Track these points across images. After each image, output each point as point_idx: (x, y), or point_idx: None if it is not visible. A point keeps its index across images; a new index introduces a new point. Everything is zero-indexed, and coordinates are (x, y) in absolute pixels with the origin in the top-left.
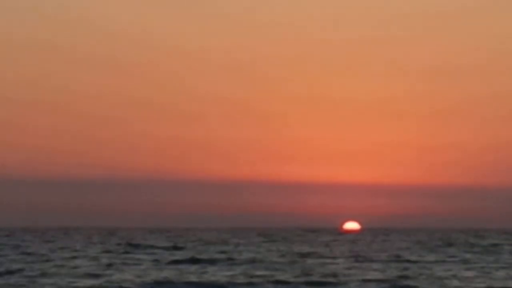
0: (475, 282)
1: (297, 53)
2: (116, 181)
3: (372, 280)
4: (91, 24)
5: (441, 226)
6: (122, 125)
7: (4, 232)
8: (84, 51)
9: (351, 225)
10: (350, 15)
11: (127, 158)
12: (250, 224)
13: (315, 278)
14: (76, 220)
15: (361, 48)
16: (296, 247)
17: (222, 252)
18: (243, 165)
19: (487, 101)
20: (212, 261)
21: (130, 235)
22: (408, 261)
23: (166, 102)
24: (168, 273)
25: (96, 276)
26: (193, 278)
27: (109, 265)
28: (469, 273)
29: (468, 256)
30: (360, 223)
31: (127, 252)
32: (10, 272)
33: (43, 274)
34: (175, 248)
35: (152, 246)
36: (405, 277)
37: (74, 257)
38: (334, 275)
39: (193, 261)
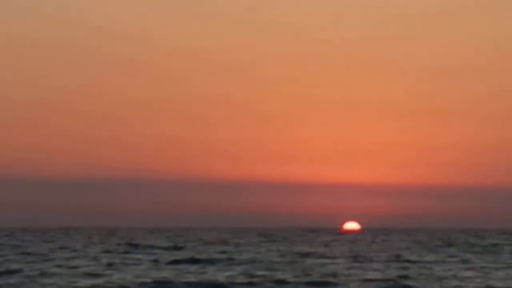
0: (475, 282)
1: (297, 53)
2: (116, 181)
3: (372, 280)
4: (91, 24)
5: (441, 226)
6: (122, 125)
7: (4, 232)
8: (84, 51)
9: (351, 225)
10: (350, 15)
11: (127, 158)
12: (250, 224)
13: (315, 278)
14: (76, 220)
15: (361, 48)
16: (296, 247)
17: (222, 252)
18: (243, 165)
19: (487, 101)
20: (212, 261)
21: (130, 235)
22: (408, 261)
23: (166, 102)
24: (168, 273)
25: (96, 276)
26: (193, 278)
27: (109, 265)
28: (469, 273)
29: (468, 256)
30: (360, 223)
31: (127, 252)
32: (10, 272)
33: (43, 274)
34: (175, 248)
35: (152, 246)
36: (405, 277)
37: (74, 257)
38: (334, 275)
39: (193, 261)
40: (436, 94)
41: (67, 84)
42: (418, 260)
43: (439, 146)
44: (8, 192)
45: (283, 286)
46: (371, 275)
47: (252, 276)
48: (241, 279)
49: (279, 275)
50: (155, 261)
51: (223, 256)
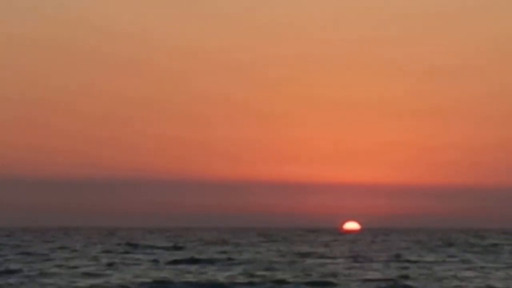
0: (475, 282)
1: (297, 53)
2: (116, 181)
3: (372, 280)
4: (91, 23)
5: (441, 226)
6: (122, 125)
7: (4, 232)
8: (84, 50)
9: (351, 225)
10: (350, 15)
11: (127, 158)
12: (250, 224)
13: (315, 278)
14: (76, 220)
15: (361, 48)
16: (296, 247)
17: (222, 252)
18: (243, 165)
19: (487, 101)
20: (212, 261)
21: (130, 235)
22: (408, 261)
23: (166, 102)
24: (167, 273)
25: (96, 276)
26: (192, 278)
27: (109, 265)
28: (469, 273)
29: (468, 256)
30: (360, 223)
31: (127, 252)
32: (10, 272)
33: (43, 274)
34: (175, 248)
35: (152, 246)
36: (405, 277)
37: (74, 257)
38: (334, 275)
39: (193, 261)
40: (436, 94)
41: (67, 84)
42: (418, 260)
43: (439, 146)
44: (8, 192)
45: (283, 286)
46: (371, 275)
47: (252, 276)
48: (241, 279)
49: (279, 275)
50: (155, 261)
51: (223, 256)
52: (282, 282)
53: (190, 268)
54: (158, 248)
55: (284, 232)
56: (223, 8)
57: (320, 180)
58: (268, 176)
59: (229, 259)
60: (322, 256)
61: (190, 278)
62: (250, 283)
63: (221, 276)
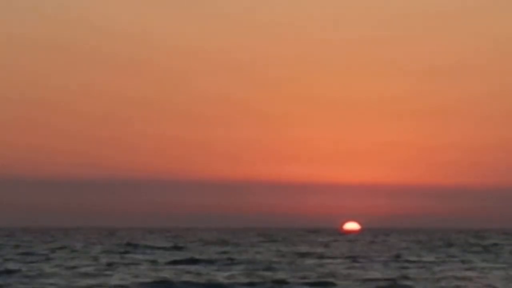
0: (475, 282)
1: (297, 53)
2: (116, 181)
3: (371, 280)
4: (91, 23)
5: (441, 226)
6: (122, 125)
7: (4, 232)
8: (84, 50)
9: (351, 225)
10: (350, 15)
11: (127, 158)
12: (250, 224)
13: (314, 278)
14: (76, 220)
15: (361, 48)
16: (296, 247)
17: (222, 252)
18: (243, 165)
19: (487, 101)
20: (212, 261)
21: (130, 235)
22: (408, 261)
23: (166, 102)
24: (167, 273)
25: (95, 276)
26: (192, 278)
27: (109, 265)
28: (469, 273)
29: (468, 256)
30: (360, 223)
31: (126, 252)
32: (9, 272)
33: (43, 274)
34: (175, 248)
35: (151, 246)
36: (405, 277)
37: (74, 257)
38: (334, 275)
39: (193, 261)
40: (436, 94)
41: (67, 84)
42: (418, 260)
43: (439, 146)
44: (8, 192)
45: (283, 286)
46: (371, 275)
47: (252, 276)
48: (241, 279)
49: (279, 275)
50: (155, 261)
51: (223, 256)
52: (282, 282)
53: (190, 268)
54: (158, 248)
55: (284, 232)
56: (223, 8)
57: (320, 180)
58: (268, 176)
59: (229, 259)
60: (322, 256)
61: (190, 278)
62: (250, 283)
63: (221, 276)
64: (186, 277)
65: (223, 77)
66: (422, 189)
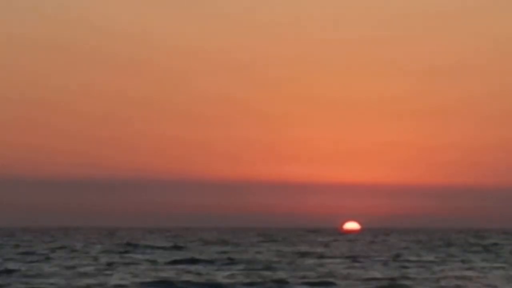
0: (475, 282)
1: (297, 53)
2: (116, 181)
3: (371, 280)
4: (91, 23)
5: (441, 226)
6: (122, 124)
7: (4, 232)
8: (84, 50)
9: (351, 225)
10: (350, 15)
11: (127, 158)
12: (250, 224)
13: (314, 278)
14: (76, 220)
15: (361, 48)
16: (296, 247)
17: (222, 252)
18: (243, 165)
19: (487, 101)
20: (212, 261)
21: (130, 235)
22: (408, 261)
23: (166, 102)
24: (167, 273)
25: (95, 275)
26: (192, 278)
27: (109, 265)
28: (469, 273)
29: (468, 256)
30: (360, 223)
31: (126, 252)
32: (9, 272)
33: (43, 274)
34: (175, 248)
35: (152, 246)
36: (405, 277)
37: (74, 257)
38: (334, 275)
39: (193, 261)
40: (436, 94)
41: (67, 84)
42: (418, 260)
43: (439, 146)
44: (8, 192)
45: (283, 286)
46: (371, 274)
47: (252, 276)
48: (241, 279)
49: (279, 275)
50: (155, 261)
51: (223, 256)
52: (282, 282)
53: (190, 268)
54: (158, 248)
55: (284, 232)
56: (223, 8)
57: (320, 180)
58: (268, 176)
59: (229, 259)
60: (322, 256)
61: (190, 278)
62: (250, 283)
63: (221, 276)
64: (186, 277)
65: (223, 77)
66: (422, 189)
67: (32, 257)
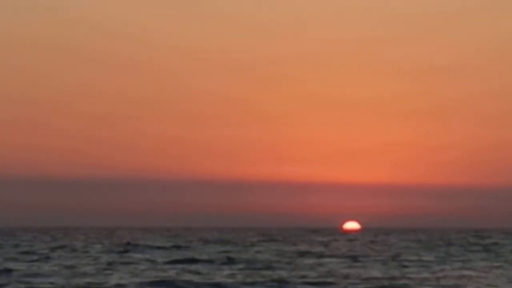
0: (475, 281)
1: (297, 53)
2: (116, 181)
3: (371, 279)
4: (91, 23)
5: (441, 226)
6: (122, 124)
7: (4, 232)
8: (84, 50)
9: (351, 225)
10: (350, 15)
11: (127, 158)
12: (250, 224)
13: (314, 278)
14: (76, 220)
15: (361, 48)
16: (295, 247)
17: (222, 251)
18: (243, 165)
19: (487, 101)
20: (211, 261)
21: (130, 235)
22: (408, 260)
23: (166, 102)
24: (167, 273)
25: (95, 275)
26: (192, 278)
27: (109, 265)
28: (469, 272)
29: (468, 255)
30: (360, 223)
31: (126, 252)
32: (9, 271)
33: (43, 273)
34: (175, 247)
35: (151, 246)
36: (405, 277)
37: (74, 257)
38: (334, 274)
39: (193, 260)
40: (436, 94)
41: (67, 84)
42: (417, 259)
43: (439, 146)
44: (8, 192)
45: (283, 285)
46: (371, 274)
47: (251, 275)
48: (241, 278)
49: (279, 275)
50: (155, 260)
51: (223, 255)
52: (281, 281)
53: (190, 268)
54: (157, 247)
55: (284, 232)
56: (223, 8)
57: (320, 180)
58: (268, 176)
59: (229, 258)
60: (321, 256)
61: (190, 277)
62: (250, 283)
63: (221, 276)
64: (186, 277)
65: (223, 77)
66: (422, 189)
67: (32, 257)
